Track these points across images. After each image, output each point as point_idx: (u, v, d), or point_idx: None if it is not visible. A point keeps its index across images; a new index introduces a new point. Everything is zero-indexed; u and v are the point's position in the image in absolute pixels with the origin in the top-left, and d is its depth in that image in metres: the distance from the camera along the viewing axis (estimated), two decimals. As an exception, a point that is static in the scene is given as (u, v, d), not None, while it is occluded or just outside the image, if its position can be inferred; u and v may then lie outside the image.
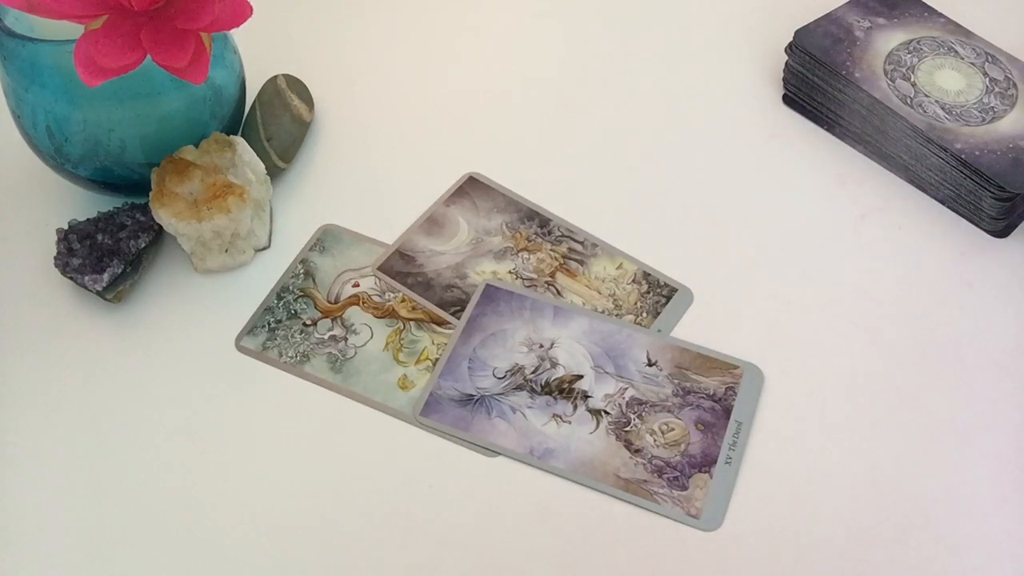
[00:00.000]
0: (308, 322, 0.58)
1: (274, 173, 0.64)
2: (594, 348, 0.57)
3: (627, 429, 0.54)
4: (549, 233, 0.62)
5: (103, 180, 0.60)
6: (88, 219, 0.60)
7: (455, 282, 0.60)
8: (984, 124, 0.63)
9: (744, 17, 0.75)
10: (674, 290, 0.59)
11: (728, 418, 0.54)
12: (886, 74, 0.65)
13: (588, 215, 0.63)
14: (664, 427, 0.54)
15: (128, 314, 0.59)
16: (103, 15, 0.51)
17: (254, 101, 0.67)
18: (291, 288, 0.60)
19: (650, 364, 0.56)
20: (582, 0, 0.77)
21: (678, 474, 0.52)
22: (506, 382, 0.56)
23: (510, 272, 0.60)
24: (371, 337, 0.58)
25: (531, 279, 0.60)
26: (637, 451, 0.53)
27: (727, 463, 0.53)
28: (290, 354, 0.57)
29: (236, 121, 0.64)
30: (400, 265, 0.61)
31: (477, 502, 0.52)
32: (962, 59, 0.67)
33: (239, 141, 0.60)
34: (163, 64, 0.51)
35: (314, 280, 0.60)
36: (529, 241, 0.62)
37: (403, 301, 0.59)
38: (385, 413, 0.55)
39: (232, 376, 0.56)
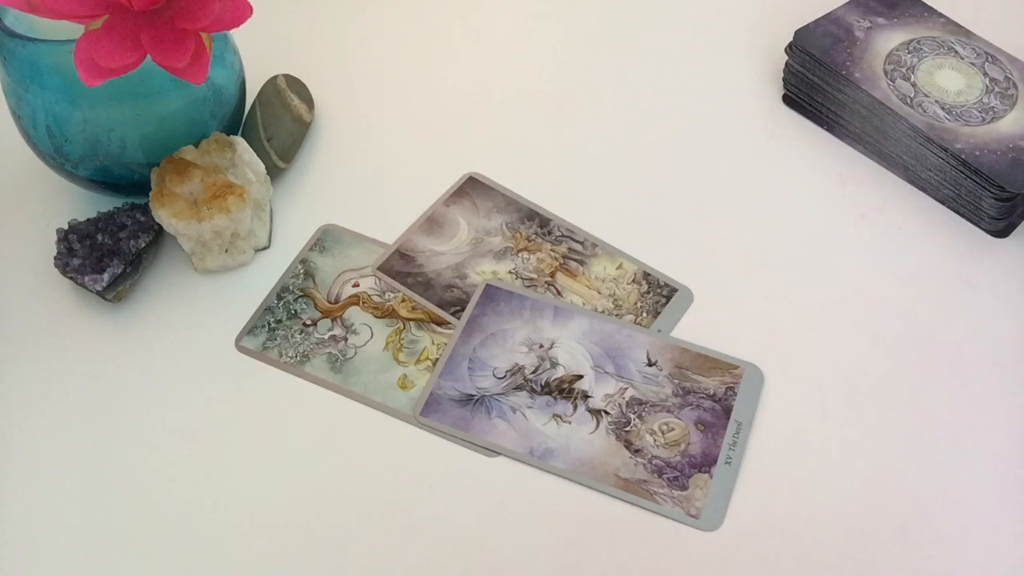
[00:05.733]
0: (308, 322, 0.58)
1: (274, 173, 0.64)
2: (594, 348, 0.57)
3: (627, 429, 0.54)
4: (549, 233, 0.62)
5: (103, 180, 0.60)
6: (88, 219, 0.60)
7: (455, 282, 0.60)
8: (984, 124, 0.63)
9: (744, 17, 0.75)
10: (674, 290, 0.59)
11: (728, 418, 0.54)
12: (886, 74, 0.65)
13: (588, 215, 0.63)
14: (664, 427, 0.54)
15: (128, 314, 0.59)
16: (103, 15, 0.51)
17: (254, 101, 0.67)
18: (291, 288, 0.60)
19: (650, 364, 0.56)
20: (582, 0, 0.77)
21: (678, 474, 0.52)
22: (506, 382, 0.56)
23: (510, 272, 0.60)
24: (371, 337, 0.58)
25: (531, 279, 0.60)
26: (637, 451, 0.53)
27: (727, 463, 0.53)
28: (290, 354, 0.57)
29: (236, 121, 0.64)
30: (400, 265, 0.61)
31: (477, 502, 0.52)
32: (962, 59, 0.67)
33: (239, 141, 0.61)
34: (163, 64, 0.51)
35: (314, 280, 0.60)
36: (529, 241, 0.62)
37: (403, 301, 0.59)
38: (385, 413, 0.55)
39: (232, 376, 0.56)
